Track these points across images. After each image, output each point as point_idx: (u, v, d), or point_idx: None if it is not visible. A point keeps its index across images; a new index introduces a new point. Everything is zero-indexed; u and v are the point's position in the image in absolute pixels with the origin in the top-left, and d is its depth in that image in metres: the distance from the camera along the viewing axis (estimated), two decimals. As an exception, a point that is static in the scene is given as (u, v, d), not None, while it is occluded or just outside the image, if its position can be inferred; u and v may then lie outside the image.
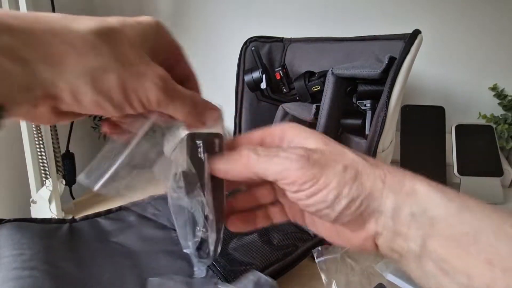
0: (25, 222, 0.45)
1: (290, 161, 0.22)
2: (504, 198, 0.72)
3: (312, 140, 0.24)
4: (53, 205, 0.61)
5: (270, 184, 0.29)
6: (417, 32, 0.46)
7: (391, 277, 0.45)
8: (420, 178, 0.23)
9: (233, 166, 0.24)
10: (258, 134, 0.27)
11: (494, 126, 0.78)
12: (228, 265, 0.43)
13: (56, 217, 0.60)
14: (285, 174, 0.22)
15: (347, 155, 0.23)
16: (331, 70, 0.51)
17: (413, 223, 0.21)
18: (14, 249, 0.40)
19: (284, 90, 0.65)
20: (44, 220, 0.48)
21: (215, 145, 0.26)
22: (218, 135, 0.26)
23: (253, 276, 0.37)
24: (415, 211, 0.21)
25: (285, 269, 0.47)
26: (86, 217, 0.51)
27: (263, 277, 0.37)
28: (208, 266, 0.42)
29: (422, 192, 0.22)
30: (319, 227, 0.28)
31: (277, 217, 0.30)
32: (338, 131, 0.56)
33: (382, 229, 0.23)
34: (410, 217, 0.22)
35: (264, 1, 0.87)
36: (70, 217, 0.53)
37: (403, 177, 0.23)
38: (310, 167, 0.22)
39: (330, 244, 0.48)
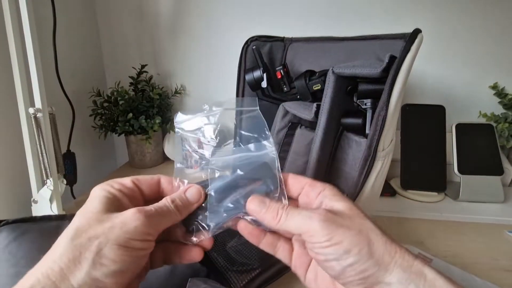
0: (24, 224, 0.45)
1: (310, 219, 0.27)
2: (504, 197, 0.73)
3: (341, 203, 0.28)
4: (54, 204, 0.61)
5: None
6: (417, 31, 0.45)
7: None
8: (428, 264, 0.25)
9: (263, 214, 0.29)
10: (304, 181, 0.32)
11: (494, 125, 0.78)
12: (228, 266, 0.43)
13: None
14: (306, 228, 0.27)
15: (366, 224, 0.27)
16: (332, 69, 0.51)
17: None
18: (11, 265, 0.40)
19: (285, 89, 0.65)
20: (44, 218, 0.47)
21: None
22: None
23: None
24: None
25: (285, 270, 0.47)
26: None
27: None
28: (209, 267, 0.43)
29: (430, 276, 0.24)
30: (320, 285, 0.31)
31: (282, 254, 0.33)
32: (338, 130, 0.56)
33: None
34: None
35: (265, 1, 0.87)
36: (71, 216, 0.53)
37: (413, 259, 0.25)
38: (326, 226, 0.26)
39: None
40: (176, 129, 0.35)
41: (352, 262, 0.25)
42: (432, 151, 0.77)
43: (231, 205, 0.30)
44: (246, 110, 0.35)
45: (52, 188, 0.60)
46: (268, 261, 0.45)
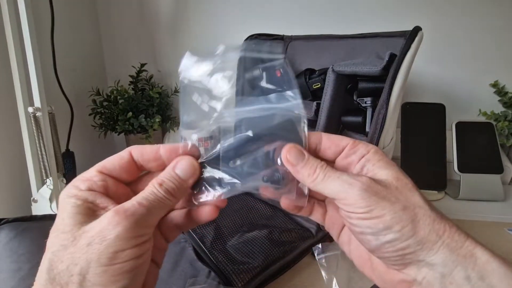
0: (24, 223, 0.45)
1: (350, 186, 0.24)
2: (505, 195, 0.73)
3: (387, 171, 0.25)
4: (54, 204, 0.61)
5: None
6: (417, 29, 0.45)
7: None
8: (482, 245, 0.23)
9: (300, 168, 0.26)
10: (345, 142, 0.27)
11: (494, 123, 0.78)
12: (229, 264, 0.43)
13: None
14: (343, 195, 0.24)
15: (413, 198, 0.24)
16: (332, 67, 0.51)
17: (466, 286, 0.21)
18: (12, 261, 0.40)
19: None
20: (44, 217, 0.47)
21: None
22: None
23: None
24: (471, 275, 0.21)
25: (286, 267, 0.47)
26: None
27: None
28: (210, 267, 0.43)
29: (482, 259, 0.22)
30: (353, 251, 0.28)
31: (316, 216, 0.30)
32: (338, 129, 0.55)
33: (422, 279, 0.23)
34: (464, 280, 0.21)
35: (264, -1, 0.87)
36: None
37: (464, 239, 0.22)
38: (367, 197, 0.23)
39: (331, 241, 0.48)
40: (181, 78, 0.29)
41: (392, 239, 0.22)
42: (432, 149, 0.77)
43: (246, 169, 0.26)
44: (268, 58, 0.30)
45: (51, 187, 0.60)
46: (269, 259, 0.45)
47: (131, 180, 0.27)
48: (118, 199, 0.24)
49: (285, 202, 0.28)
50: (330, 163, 0.27)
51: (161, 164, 0.26)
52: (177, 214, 0.28)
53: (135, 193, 0.25)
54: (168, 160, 0.26)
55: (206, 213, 0.27)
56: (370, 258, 0.27)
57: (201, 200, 0.26)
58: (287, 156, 0.26)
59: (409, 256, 0.22)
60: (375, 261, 0.26)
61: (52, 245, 0.22)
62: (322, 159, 0.27)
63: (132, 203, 0.23)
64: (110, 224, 0.21)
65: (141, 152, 0.26)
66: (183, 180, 0.25)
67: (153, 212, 0.23)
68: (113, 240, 0.21)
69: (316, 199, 0.30)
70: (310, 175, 0.25)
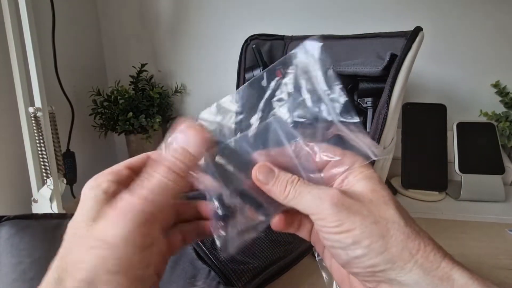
0: (25, 220, 0.45)
1: (320, 200, 0.23)
2: (506, 196, 0.72)
3: (364, 183, 0.24)
4: (54, 204, 0.61)
5: None
6: (418, 29, 0.45)
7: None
8: (460, 265, 0.21)
9: (270, 186, 0.25)
10: (338, 152, 0.26)
11: (495, 123, 0.78)
12: (229, 264, 0.43)
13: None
14: (315, 210, 0.23)
15: (387, 212, 0.23)
16: (332, 68, 0.51)
17: None
18: (12, 256, 0.40)
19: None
20: (45, 216, 0.47)
21: None
22: None
23: None
24: None
25: (286, 268, 0.47)
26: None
27: None
28: (210, 266, 0.42)
29: (460, 281, 0.20)
30: (333, 266, 0.28)
31: (303, 232, 0.30)
32: (339, 129, 0.55)
33: None
34: None
35: (265, -1, 0.87)
36: (71, 215, 0.53)
37: (441, 259, 0.21)
38: (337, 211, 0.22)
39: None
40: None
41: (360, 255, 0.22)
42: (433, 150, 0.77)
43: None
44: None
45: (52, 187, 0.60)
46: (270, 259, 0.45)
47: None
48: None
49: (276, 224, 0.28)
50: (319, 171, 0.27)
51: None
52: (185, 228, 0.28)
53: None
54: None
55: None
56: (348, 274, 0.26)
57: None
58: (257, 175, 0.25)
59: (380, 274, 0.22)
60: (352, 277, 0.25)
61: (67, 238, 0.22)
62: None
63: (136, 199, 0.22)
64: (113, 226, 0.21)
65: (158, 157, 0.25)
66: (183, 148, 0.24)
67: (159, 203, 0.23)
68: (118, 246, 0.21)
69: (303, 214, 0.30)
70: (281, 192, 0.25)
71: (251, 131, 0.27)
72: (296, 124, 0.27)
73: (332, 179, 0.26)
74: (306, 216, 0.28)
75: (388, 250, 0.21)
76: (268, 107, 0.28)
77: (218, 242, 0.26)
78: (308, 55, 0.27)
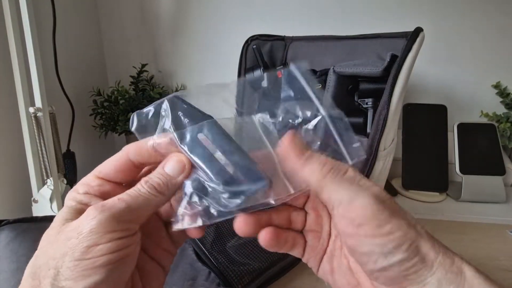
0: (25, 224, 0.45)
1: (364, 192, 0.21)
2: (506, 197, 0.72)
3: (376, 188, 0.22)
4: (54, 204, 0.60)
5: (304, 213, 0.28)
6: (419, 30, 0.45)
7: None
8: (466, 260, 0.21)
9: (304, 160, 0.23)
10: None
11: (496, 124, 0.77)
12: (229, 265, 0.43)
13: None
14: (354, 207, 0.21)
15: (408, 214, 0.22)
16: (333, 68, 0.51)
17: None
18: (12, 261, 0.40)
19: (286, 88, 0.64)
20: (45, 219, 0.47)
21: None
22: None
23: None
24: None
25: (287, 269, 0.47)
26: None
27: None
28: (210, 268, 0.42)
29: (468, 274, 0.20)
30: (339, 280, 0.26)
31: (297, 250, 0.28)
32: (339, 130, 0.55)
33: None
34: None
35: (267, 0, 0.87)
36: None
37: (453, 253, 0.21)
38: (382, 210, 0.21)
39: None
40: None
41: (401, 259, 0.20)
42: (434, 150, 0.76)
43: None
44: None
45: (52, 187, 0.60)
46: (270, 260, 0.44)
47: (130, 180, 0.26)
48: None
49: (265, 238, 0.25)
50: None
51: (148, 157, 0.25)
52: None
53: None
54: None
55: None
56: (358, 283, 0.25)
57: (174, 228, 0.25)
58: (289, 144, 0.23)
59: (411, 276, 0.21)
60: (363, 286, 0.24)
61: (41, 242, 0.22)
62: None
63: (112, 199, 0.22)
64: (86, 218, 0.21)
65: (136, 149, 0.25)
66: (171, 176, 0.24)
67: (135, 207, 0.22)
68: (87, 234, 0.20)
69: (295, 231, 0.28)
70: (319, 171, 0.22)
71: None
72: (283, 125, 0.26)
73: None
74: (299, 233, 0.27)
75: (420, 251, 0.21)
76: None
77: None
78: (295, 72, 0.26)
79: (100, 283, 0.20)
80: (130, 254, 0.22)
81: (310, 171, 0.22)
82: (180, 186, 0.24)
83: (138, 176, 0.27)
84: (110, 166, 0.25)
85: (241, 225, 0.25)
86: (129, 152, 0.25)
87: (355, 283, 0.25)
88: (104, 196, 0.24)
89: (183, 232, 0.26)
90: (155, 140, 0.24)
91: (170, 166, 0.24)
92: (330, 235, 0.28)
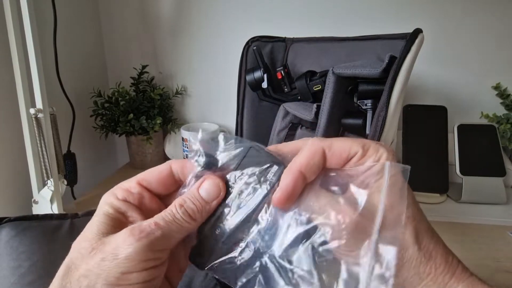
0: (26, 222, 0.45)
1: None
2: (507, 198, 0.72)
3: (384, 196, 0.22)
4: (55, 205, 0.61)
5: None
6: (418, 31, 0.45)
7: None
8: (466, 281, 0.21)
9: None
10: (353, 150, 0.23)
11: (496, 125, 0.77)
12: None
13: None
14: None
15: (404, 237, 0.21)
16: (332, 70, 0.51)
17: None
18: (12, 259, 0.40)
19: (286, 89, 0.64)
20: (45, 217, 0.48)
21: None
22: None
23: None
24: None
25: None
26: (88, 213, 0.51)
27: None
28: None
29: None
30: None
31: None
32: (339, 131, 0.55)
33: None
34: None
35: (267, 1, 0.87)
36: (71, 217, 0.53)
37: (449, 279, 0.21)
38: (353, 236, 0.20)
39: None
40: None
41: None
42: (434, 152, 0.76)
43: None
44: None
45: (52, 188, 0.60)
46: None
47: (167, 194, 0.26)
48: (148, 214, 0.24)
49: None
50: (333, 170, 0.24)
51: None
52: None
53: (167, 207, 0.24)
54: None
55: None
56: None
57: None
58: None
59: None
60: None
61: (73, 251, 0.22)
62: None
63: (149, 223, 0.22)
64: (124, 243, 0.21)
65: (181, 166, 0.25)
66: (206, 202, 0.24)
67: (169, 234, 0.22)
68: (122, 261, 0.20)
69: None
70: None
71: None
72: None
73: (363, 180, 0.22)
74: None
75: (400, 276, 0.20)
76: None
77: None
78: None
79: None
80: (158, 283, 0.22)
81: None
82: (212, 211, 0.24)
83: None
84: (154, 176, 0.25)
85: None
86: (172, 166, 0.25)
87: None
88: (142, 207, 0.25)
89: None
90: (185, 168, 0.25)
91: (206, 190, 0.24)
92: None
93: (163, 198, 0.26)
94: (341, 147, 0.23)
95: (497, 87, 0.82)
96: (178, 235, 0.23)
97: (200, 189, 0.24)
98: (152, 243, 0.21)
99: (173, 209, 0.23)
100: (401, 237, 0.21)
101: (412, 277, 0.20)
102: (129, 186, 0.25)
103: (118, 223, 0.23)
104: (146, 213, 0.24)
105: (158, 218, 0.23)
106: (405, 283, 0.20)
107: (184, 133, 0.85)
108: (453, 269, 0.21)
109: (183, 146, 0.88)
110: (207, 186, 0.24)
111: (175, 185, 0.26)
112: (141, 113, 0.87)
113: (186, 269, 0.27)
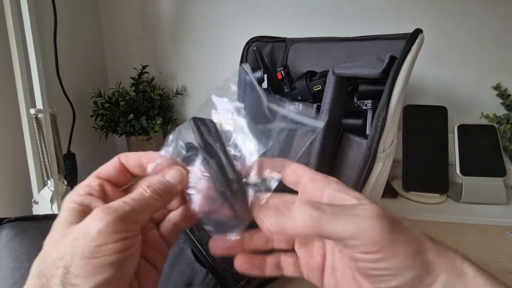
0: (26, 222, 0.45)
1: (368, 219, 0.21)
2: (507, 199, 0.72)
3: (368, 201, 0.23)
4: (55, 205, 0.61)
5: None
6: (418, 31, 0.45)
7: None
8: (467, 258, 0.21)
9: (290, 224, 0.22)
10: (302, 172, 0.27)
11: (496, 126, 0.77)
12: (227, 266, 0.43)
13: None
14: (359, 234, 0.21)
15: (408, 223, 0.22)
16: (332, 70, 0.51)
17: None
18: (12, 260, 0.40)
19: (286, 90, 0.64)
20: (46, 217, 0.48)
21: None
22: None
23: None
24: None
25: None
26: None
27: None
28: (207, 268, 0.42)
29: (470, 274, 0.21)
30: None
31: (288, 270, 0.28)
32: (339, 131, 0.55)
33: None
34: None
35: (267, 1, 0.87)
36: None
37: (454, 254, 0.21)
38: (389, 230, 0.20)
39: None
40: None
41: (412, 277, 0.20)
42: (434, 152, 0.76)
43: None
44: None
45: (52, 189, 0.60)
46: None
47: (126, 183, 0.28)
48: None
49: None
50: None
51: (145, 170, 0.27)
52: (174, 214, 0.29)
53: None
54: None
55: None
56: None
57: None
58: (268, 226, 0.23)
59: (418, 286, 0.21)
60: None
61: (45, 244, 0.23)
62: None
63: (117, 202, 0.23)
64: (93, 220, 0.22)
65: (126, 155, 0.28)
66: (172, 184, 0.26)
67: (138, 209, 0.24)
68: (95, 235, 0.21)
69: (281, 250, 0.28)
70: (306, 225, 0.22)
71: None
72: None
73: (315, 197, 0.25)
74: (287, 252, 0.28)
75: (426, 260, 0.21)
76: None
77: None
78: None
79: (110, 280, 0.21)
80: (134, 253, 0.23)
81: (299, 231, 0.22)
82: (177, 194, 0.27)
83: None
84: (109, 167, 0.27)
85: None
86: (120, 158, 0.28)
87: None
88: (104, 198, 0.26)
89: (173, 232, 0.28)
90: (156, 161, 0.27)
91: (171, 175, 0.26)
92: (324, 248, 0.28)
93: (126, 190, 0.28)
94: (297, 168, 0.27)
95: (497, 87, 0.82)
96: (147, 211, 0.24)
97: (165, 175, 0.26)
98: (121, 216, 0.22)
99: (141, 190, 0.25)
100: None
101: (434, 259, 0.21)
102: (89, 181, 0.27)
103: (83, 214, 0.23)
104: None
105: (126, 197, 0.24)
106: (430, 266, 0.21)
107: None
108: (452, 248, 0.22)
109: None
110: (172, 173, 0.26)
111: (130, 176, 0.28)
112: (141, 114, 0.87)
113: (167, 251, 0.28)
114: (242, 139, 0.27)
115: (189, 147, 0.27)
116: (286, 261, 0.29)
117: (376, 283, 0.22)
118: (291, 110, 0.28)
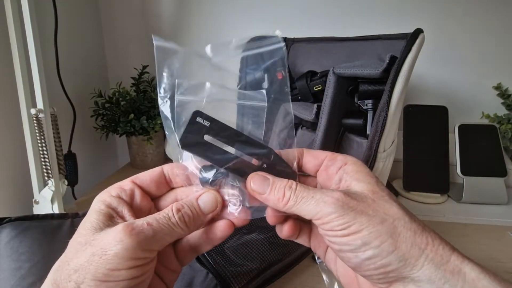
0: (26, 222, 0.45)
1: (325, 204, 0.23)
2: (508, 199, 0.72)
3: (363, 184, 0.24)
4: (55, 205, 0.61)
5: None
6: (418, 31, 0.45)
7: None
8: (469, 259, 0.21)
9: (267, 195, 0.25)
10: (324, 155, 0.27)
11: (497, 125, 0.77)
12: (227, 266, 0.43)
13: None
14: (319, 214, 0.23)
15: (392, 210, 0.23)
16: (332, 70, 0.51)
17: None
18: (12, 260, 0.40)
19: (286, 89, 0.64)
20: (46, 216, 0.48)
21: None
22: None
23: None
24: None
25: (285, 270, 0.47)
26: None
27: None
28: (208, 268, 0.42)
29: (471, 275, 0.20)
30: (339, 270, 0.28)
31: (303, 239, 0.29)
32: (339, 131, 0.55)
33: None
34: None
35: (267, 1, 0.87)
36: (72, 217, 0.53)
37: (450, 252, 0.21)
38: (344, 213, 0.22)
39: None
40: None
41: (371, 256, 0.21)
42: (435, 152, 0.76)
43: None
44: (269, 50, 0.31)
45: (53, 188, 0.60)
46: (267, 261, 0.44)
47: (159, 195, 0.28)
48: (138, 212, 0.25)
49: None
50: (314, 178, 0.28)
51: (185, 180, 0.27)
52: (193, 235, 0.28)
53: (157, 209, 0.25)
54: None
55: (222, 229, 0.26)
56: (356, 276, 0.26)
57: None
58: (251, 186, 0.25)
59: (392, 273, 0.21)
60: (361, 279, 0.25)
61: (69, 246, 0.23)
62: (304, 173, 0.27)
63: (142, 222, 0.23)
64: (114, 239, 0.21)
65: (171, 167, 0.27)
66: (203, 213, 0.25)
67: (160, 236, 0.23)
68: (111, 257, 0.21)
69: (301, 220, 0.29)
70: (279, 200, 0.24)
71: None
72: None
73: (328, 179, 0.26)
74: (304, 222, 0.29)
75: (398, 248, 0.21)
76: None
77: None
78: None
79: None
80: (146, 279, 0.23)
81: (274, 204, 0.25)
82: (205, 224, 0.26)
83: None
84: (147, 174, 0.27)
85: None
86: (164, 167, 0.27)
87: (352, 276, 0.26)
88: (133, 204, 0.26)
89: (189, 251, 0.27)
90: (174, 169, 0.27)
91: (205, 202, 0.25)
92: None
93: (155, 200, 0.27)
94: (317, 151, 0.28)
95: (498, 87, 0.81)
96: (168, 238, 0.24)
97: (199, 200, 0.25)
98: (141, 242, 0.22)
99: (169, 213, 0.24)
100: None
101: (411, 248, 0.21)
102: (123, 183, 0.26)
103: (109, 218, 0.24)
104: (137, 211, 0.25)
105: (152, 218, 0.23)
106: (406, 255, 0.21)
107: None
108: (451, 246, 0.22)
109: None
110: (207, 199, 0.25)
111: (166, 186, 0.28)
112: (141, 113, 0.87)
113: (180, 270, 0.28)
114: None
115: (204, 167, 0.26)
116: (304, 231, 0.29)
117: (345, 261, 0.24)
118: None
